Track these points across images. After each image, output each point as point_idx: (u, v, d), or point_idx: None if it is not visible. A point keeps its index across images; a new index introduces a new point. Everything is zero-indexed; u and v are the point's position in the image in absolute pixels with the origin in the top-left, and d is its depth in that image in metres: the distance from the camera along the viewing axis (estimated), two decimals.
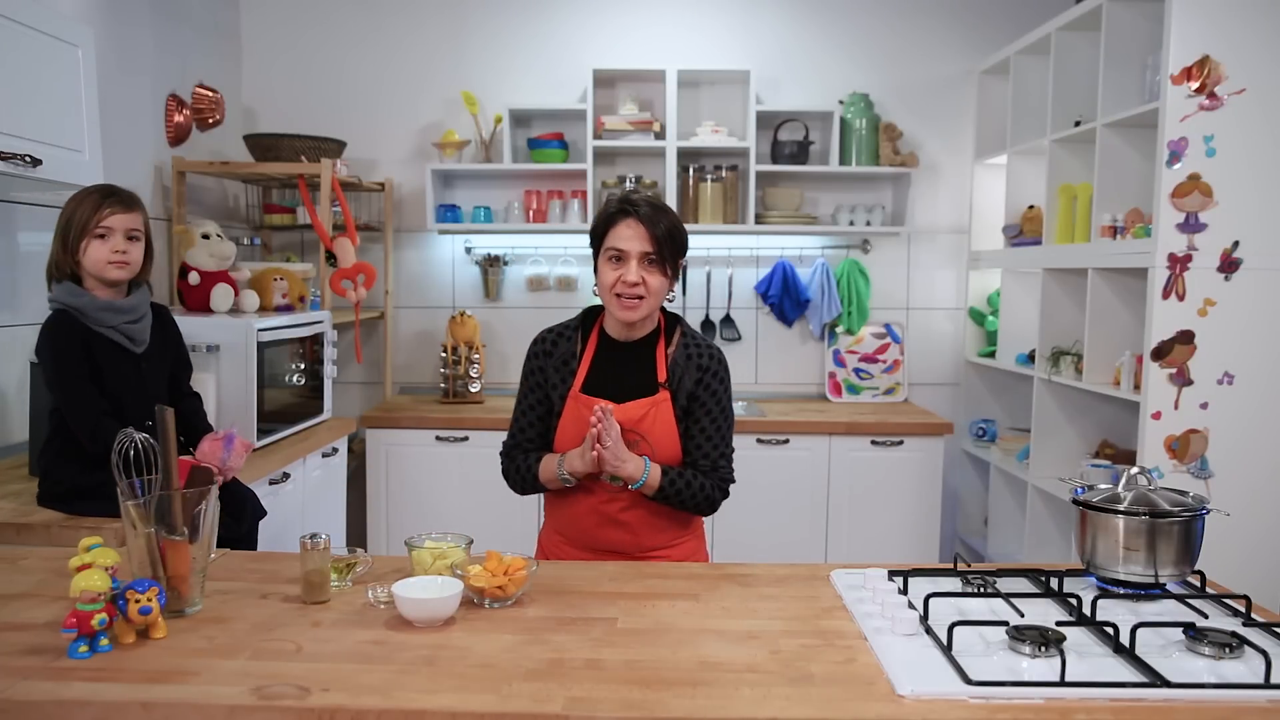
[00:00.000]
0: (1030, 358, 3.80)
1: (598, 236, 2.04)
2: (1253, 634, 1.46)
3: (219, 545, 1.85)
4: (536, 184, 4.28)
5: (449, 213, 4.17)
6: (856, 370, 4.33)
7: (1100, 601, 1.57)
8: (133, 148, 3.36)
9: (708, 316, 4.35)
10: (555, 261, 4.36)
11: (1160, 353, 2.88)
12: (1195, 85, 2.80)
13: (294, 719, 1.23)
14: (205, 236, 3.16)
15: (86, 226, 2.16)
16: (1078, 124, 3.44)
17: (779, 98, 4.25)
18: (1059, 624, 1.47)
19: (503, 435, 2.17)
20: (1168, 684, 1.30)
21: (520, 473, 2.10)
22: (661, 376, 2.06)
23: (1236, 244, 2.84)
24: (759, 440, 3.80)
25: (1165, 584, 1.66)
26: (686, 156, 4.19)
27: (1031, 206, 3.85)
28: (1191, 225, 2.84)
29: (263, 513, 2.45)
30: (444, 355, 4.07)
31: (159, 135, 3.55)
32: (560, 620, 1.55)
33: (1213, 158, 2.82)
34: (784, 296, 4.28)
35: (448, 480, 3.83)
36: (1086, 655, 1.41)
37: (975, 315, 4.35)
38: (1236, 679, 1.33)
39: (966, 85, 4.29)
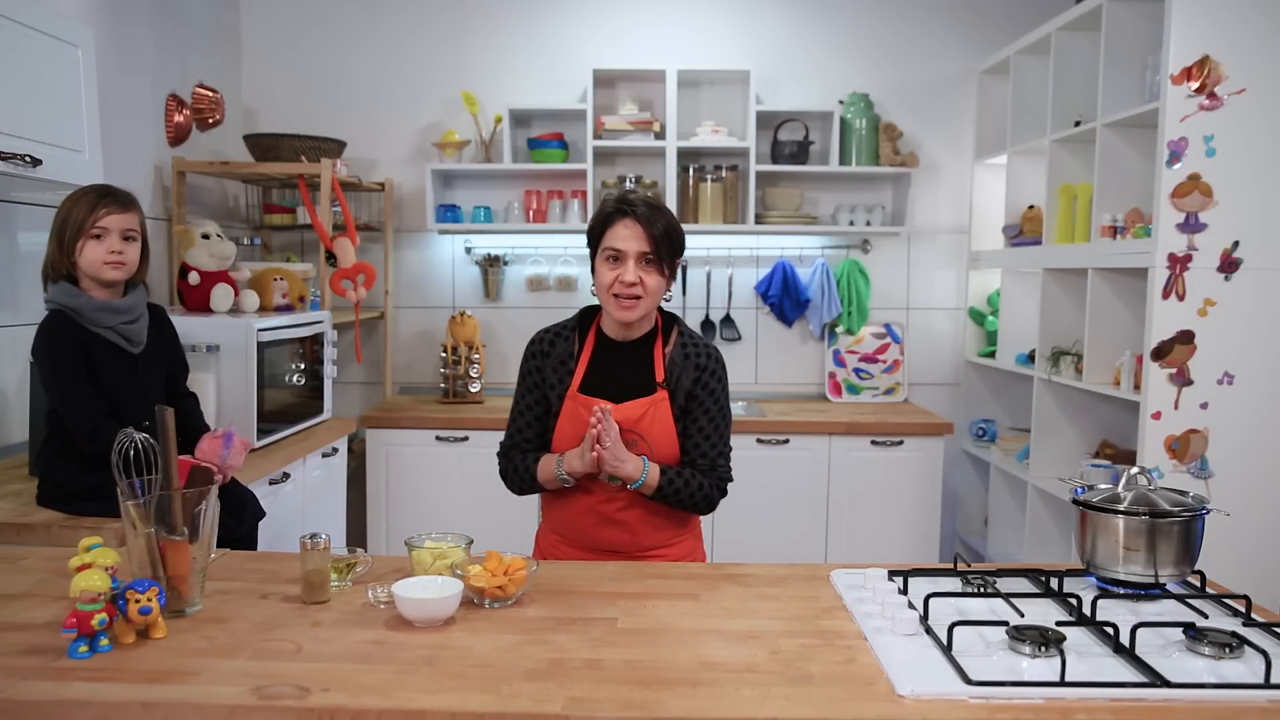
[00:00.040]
0: (1030, 358, 3.80)
1: (595, 236, 2.04)
2: (1253, 634, 1.46)
3: (219, 545, 1.85)
4: (536, 184, 4.28)
5: (449, 213, 4.17)
6: (856, 370, 4.33)
7: (1100, 601, 1.57)
8: (133, 148, 3.36)
9: (708, 316, 4.36)
10: (555, 261, 4.36)
11: (1160, 353, 2.88)
12: (1195, 85, 2.80)
13: (294, 719, 1.23)
14: (205, 236, 3.16)
15: (82, 227, 2.15)
16: (1078, 124, 3.44)
17: (779, 98, 4.25)
18: (1059, 624, 1.47)
19: (503, 435, 2.17)
20: (1168, 684, 1.30)
21: (518, 473, 2.10)
22: (659, 376, 2.06)
23: (1236, 244, 2.84)
24: (759, 440, 3.80)
25: (1165, 584, 1.66)
26: (686, 156, 4.19)
27: (1031, 206, 3.85)
28: (1191, 225, 2.84)
29: (261, 514, 2.45)
30: (444, 355, 4.08)
31: (159, 135, 3.56)
32: (560, 620, 1.55)
33: (1213, 158, 2.82)
34: (784, 296, 4.28)
35: (448, 480, 3.83)
36: (1086, 655, 1.41)
37: (975, 315, 4.35)
38: (1236, 679, 1.33)
39: (966, 85, 4.29)
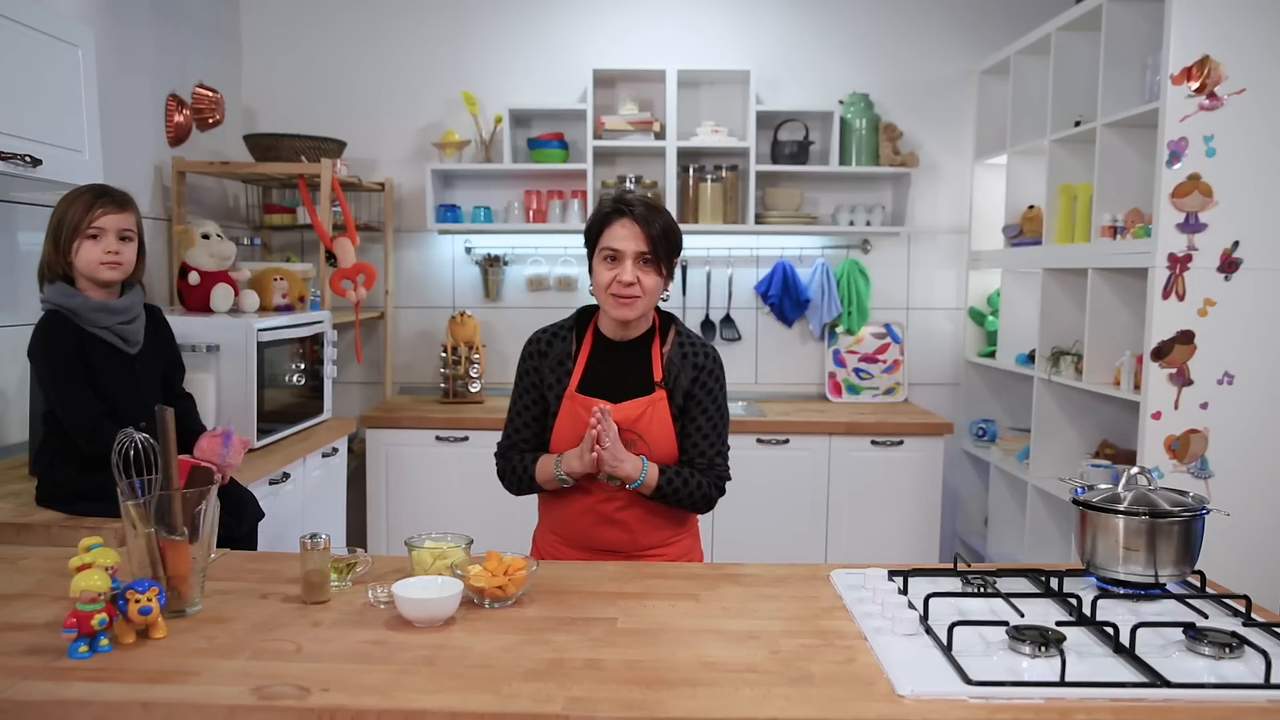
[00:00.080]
0: (1030, 358, 3.80)
1: (592, 236, 2.04)
2: (1253, 634, 1.46)
3: (219, 545, 1.85)
4: (536, 184, 4.28)
5: (449, 213, 4.17)
6: (856, 370, 4.33)
7: (1100, 601, 1.57)
8: (133, 148, 3.36)
9: (708, 316, 4.36)
10: (555, 261, 4.36)
11: (1160, 353, 2.88)
12: (1195, 85, 2.80)
13: (294, 719, 1.23)
14: (205, 236, 3.16)
15: (78, 227, 2.15)
16: (1078, 124, 3.44)
17: (779, 98, 4.25)
18: (1059, 624, 1.47)
19: (500, 436, 2.17)
20: (1168, 684, 1.30)
21: (516, 473, 2.10)
22: (657, 375, 2.06)
23: (1236, 244, 2.84)
24: (759, 440, 3.80)
25: (1165, 584, 1.66)
26: (686, 156, 4.19)
27: (1031, 206, 3.85)
28: (1191, 225, 2.84)
29: (261, 515, 2.45)
30: (444, 355, 4.08)
31: (159, 135, 3.55)
32: (560, 620, 1.55)
33: (1213, 158, 2.82)
34: (784, 296, 4.28)
35: (448, 480, 3.84)
36: (1086, 655, 1.41)
37: (975, 315, 4.35)
38: (1236, 679, 1.33)
39: (966, 85, 4.29)
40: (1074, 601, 1.55)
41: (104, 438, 2.08)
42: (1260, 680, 1.31)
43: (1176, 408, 2.89)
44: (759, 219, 4.18)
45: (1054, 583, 1.68)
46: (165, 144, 3.59)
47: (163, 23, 3.55)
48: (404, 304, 4.39)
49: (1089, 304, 3.23)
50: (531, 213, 4.22)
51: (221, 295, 3.11)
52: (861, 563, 1.85)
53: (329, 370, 3.50)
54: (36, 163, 2.27)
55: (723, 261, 4.35)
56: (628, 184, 4.15)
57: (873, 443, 3.82)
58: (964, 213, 4.34)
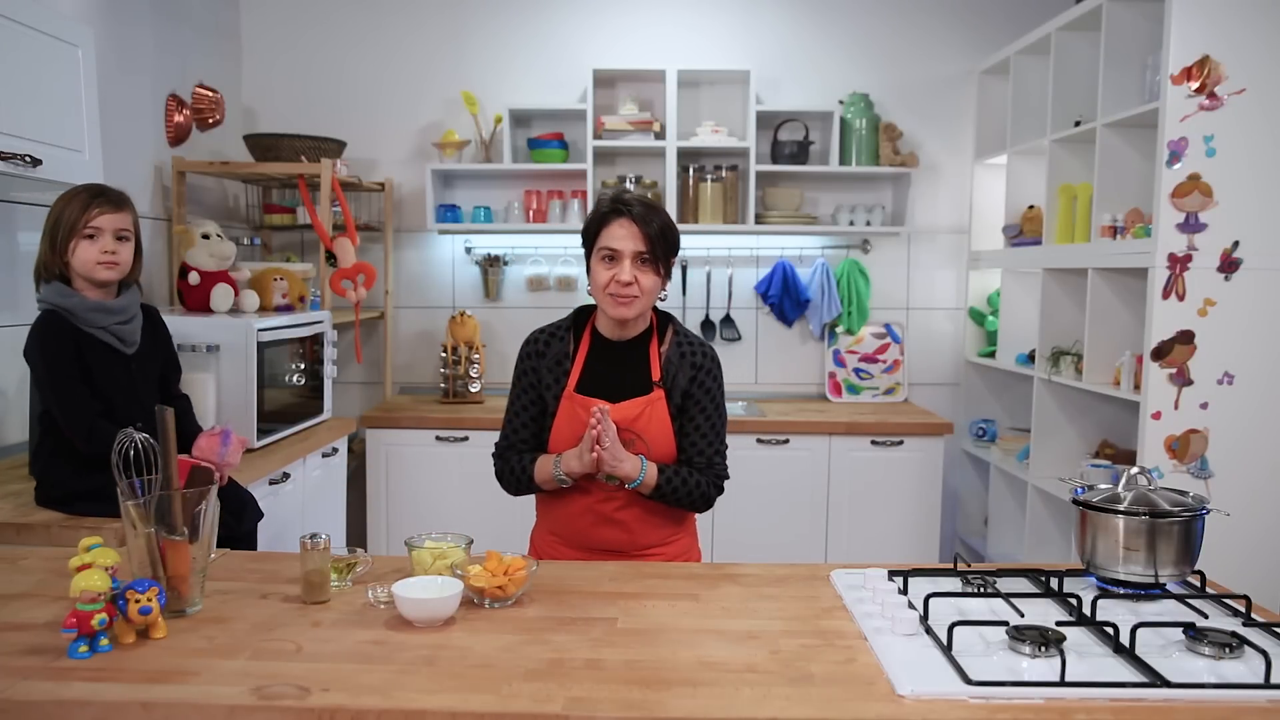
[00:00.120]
0: (1030, 358, 3.80)
1: (590, 236, 2.04)
2: (1253, 634, 1.46)
3: (219, 545, 1.85)
4: (536, 184, 4.28)
5: (449, 213, 4.17)
6: (856, 370, 4.33)
7: (1100, 601, 1.57)
8: (133, 148, 3.36)
9: (708, 316, 4.36)
10: (555, 261, 4.36)
11: (1160, 353, 2.88)
12: (1195, 85, 2.80)
13: (294, 719, 1.23)
14: (205, 236, 3.16)
15: (75, 226, 2.14)
16: (1078, 124, 3.44)
17: (779, 98, 4.25)
18: (1059, 624, 1.47)
19: (497, 436, 2.17)
20: (1168, 684, 1.30)
21: (515, 474, 2.10)
22: (655, 375, 2.06)
23: (1236, 244, 2.84)
24: (759, 440, 3.80)
25: (1165, 584, 1.66)
26: (686, 156, 4.19)
27: (1031, 206, 3.85)
28: (1191, 225, 2.84)
29: (260, 515, 2.45)
30: (444, 355, 4.08)
31: (159, 135, 3.55)
32: (560, 620, 1.55)
33: (1213, 158, 2.82)
34: (784, 296, 4.28)
35: (448, 480, 3.83)
36: (1086, 655, 1.41)
37: (975, 315, 4.35)
38: (1236, 679, 1.33)
39: (966, 85, 4.29)
40: (1074, 601, 1.55)
41: (102, 438, 2.07)
42: (1260, 680, 1.31)
43: (1176, 408, 2.89)
44: (759, 219, 4.18)
45: (1054, 583, 1.68)
46: (165, 144, 3.59)
47: (163, 23, 3.56)
48: (404, 304, 4.39)
49: (1089, 304, 3.23)
50: (531, 213, 4.22)
51: (221, 295, 3.11)
52: (861, 563, 1.85)
53: (329, 370, 3.50)
54: (36, 163, 2.27)
55: (723, 261, 4.35)
56: (628, 184, 4.15)
57: (873, 443, 3.82)
58: (964, 213, 4.34)
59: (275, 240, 4.32)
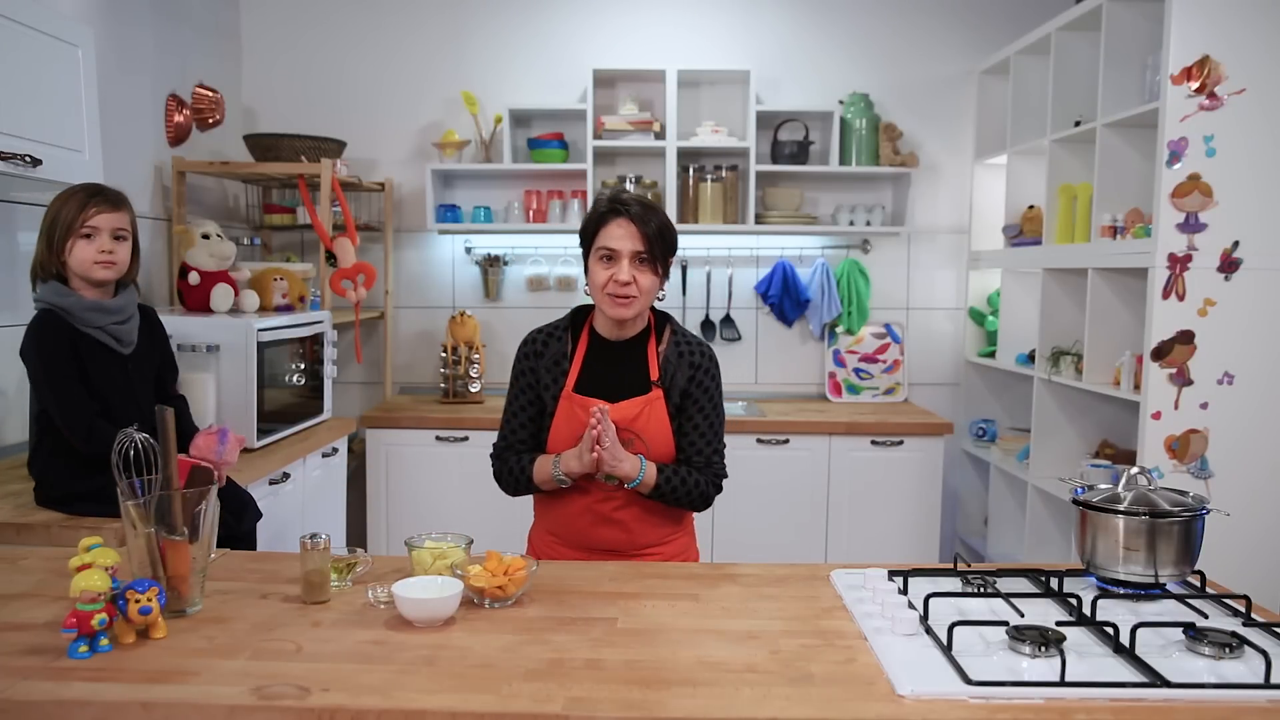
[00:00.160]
0: (1030, 358, 3.80)
1: (588, 236, 2.04)
2: (1253, 634, 1.46)
3: (219, 545, 1.85)
4: (536, 184, 4.28)
5: (449, 213, 4.17)
6: (856, 370, 4.33)
7: (1100, 601, 1.57)
8: (133, 148, 3.36)
9: (708, 316, 4.35)
10: (555, 261, 4.36)
11: (1160, 353, 2.88)
12: (1195, 85, 2.80)
13: (294, 719, 1.23)
14: (205, 236, 3.16)
15: (72, 226, 2.13)
16: (1078, 124, 3.44)
17: (779, 98, 4.25)
18: (1059, 624, 1.47)
19: (495, 437, 2.17)
20: (1168, 684, 1.30)
21: (513, 474, 2.10)
22: (654, 375, 2.06)
23: (1236, 244, 2.84)
24: (759, 440, 3.80)
25: (1165, 584, 1.66)
26: (686, 156, 4.19)
27: (1031, 206, 3.85)
28: (1191, 225, 2.84)
29: (259, 516, 2.45)
30: (444, 355, 4.08)
31: (159, 135, 3.55)
32: (560, 620, 1.55)
33: (1213, 158, 2.82)
34: (784, 296, 4.28)
35: (448, 480, 3.83)
36: (1086, 655, 1.41)
37: (975, 315, 4.35)
38: (1236, 679, 1.33)
39: (966, 85, 4.29)
40: (1074, 601, 1.55)
41: (101, 438, 2.07)
42: (1260, 680, 1.31)
43: (1176, 408, 2.89)
44: (759, 219, 4.18)
45: (1054, 583, 1.68)
46: (165, 144, 3.59)
47: (163, 23, 3.56)
48: (404, 304, 4.39)
49: (1089, 304, 3.23)
50: (531, 213, 4.22)
51: (221, 295, 3.11)
52: (861, 563, 1.85)
53: (329, 370, 3.50)
54: (36, 163, 2.27)
55: (723, 261, 4.35)
56: (628, 184, 4.15)
57: (873, 443, 3.82)
58: (964, 213, 4.34)
59: (275, 240, 4.32)
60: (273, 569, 1.79)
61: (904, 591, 1.63)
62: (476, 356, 4.07)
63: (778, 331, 4.39)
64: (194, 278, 3.14)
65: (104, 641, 1.38)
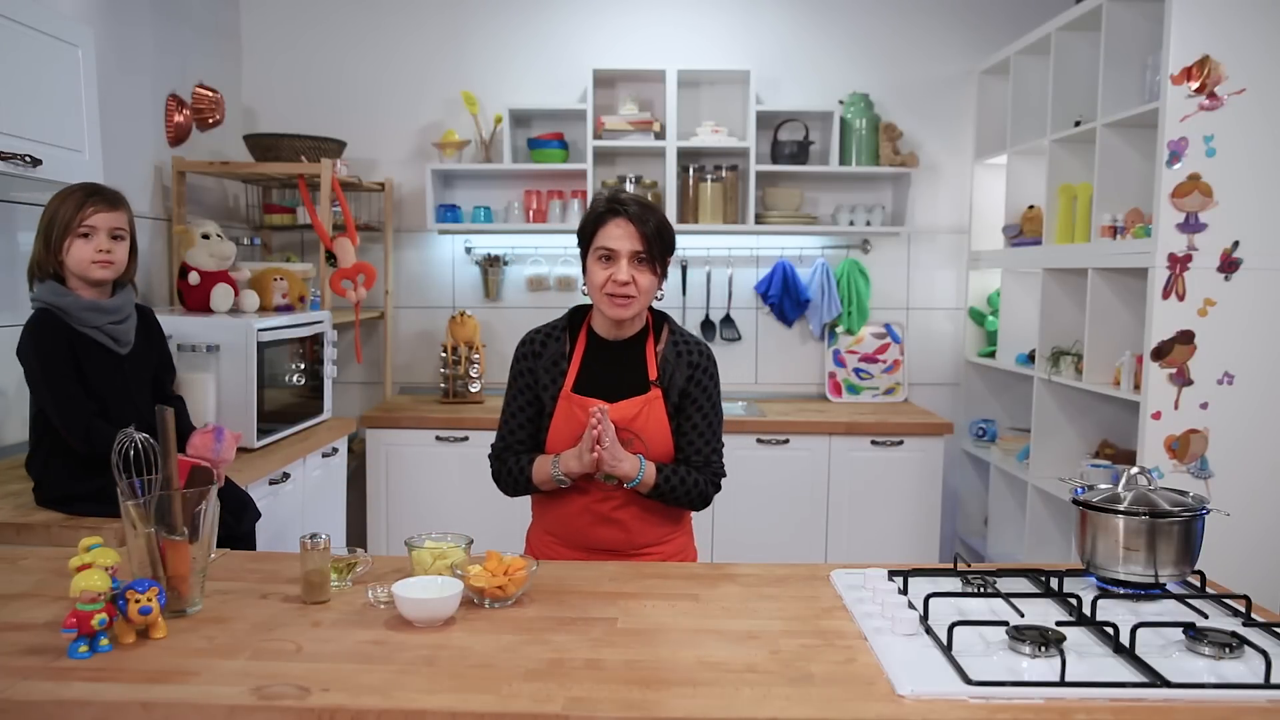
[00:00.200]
0: (1030, 358, 3.80)
1: (586, 236, 2.04)
2: (1253, 634, 1.46)
3: (219, 545, 1.84)
4: (536, 184, 4.28)
5: (449, 213, 4.17)
6: (856, 370, 4.33)
7: (1100, 601, 1.57)
8: (133, 148, 3.36)
9: (708, 316, 4.35)
10: (555, 261, 4.36)
11: (1160, 353, 2.88)
12: (1195, 85, 2.80)
13: (294, 719, 1.23)
14: (205, 236, 3.16)
15: (69, 225, 2.13)
16: (1078, 124, 3.44)
17: (779, 98, 4.25)
18: (1059, 624, 1.47)
19: (494, 437, 2.17)
20: (1168, 684, 1.30)
21: (512, 475, 2.10)
22: (652, 374, 2.06)
23: (1236, 244, 2.84)
24: (759, 440, 3.80)
25: (1165, 584, 1.66)
26: (686, 156, 4.19)
27: (1031, 206, 3.85)
28: (1191, 225, 2.84)
29: (258, 516, 2.45)
30: (444, 355, 4.08)
31: (159, 135, 3.55)
32: (560, 620, 1.55)
33: (1213, 158, 2.82)
34: (784, 296, 4.28)
35: (448, 480, 3.83)
36: (1086, 655, 1.41)
37: (975, 315, 4.35)
38: (1236, 679, 1.33)
39: (966, 85, 4.29)
40: (1074, 601, 1.55)
41: (99, 438, 2.07)
42: (1260, 680, 1.31)
43: (1176, 408, 2.89)
44: (759, 219, 4.18)
45: (1054, 583, 1.68)
46: (165, 144, 3.59)
47: (163, 23, 3.56)
48: (404, 304, 4.39)
49: (1089, 304, 3.23)
50: (531, 213, 4.22)
51: (221, 295, 3.11)
52: (861, 563, 1.85)
53: (329, 370, 3.50)
54: (36, 163, 2.27)
55: (723, 261, 4.35)
56: (628, 184, 4.15)
57: (873, 443, 3.82)
58: (964, 213, 4.34)
59: (275, 240, 4.32)
60: (273, 569, 1.79)
61: (904, 591, 1.63)
62: (476, 356, 4.07)
63: (778, 331, 4.39)
64: (194, 278, 3.14)
65: (104, 641, 1.38)
